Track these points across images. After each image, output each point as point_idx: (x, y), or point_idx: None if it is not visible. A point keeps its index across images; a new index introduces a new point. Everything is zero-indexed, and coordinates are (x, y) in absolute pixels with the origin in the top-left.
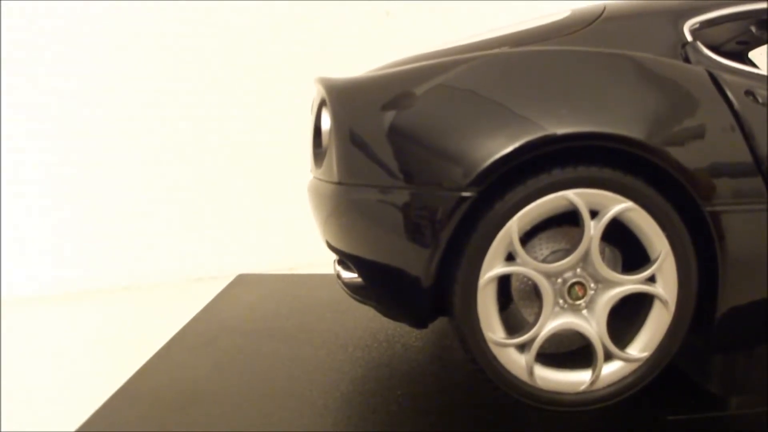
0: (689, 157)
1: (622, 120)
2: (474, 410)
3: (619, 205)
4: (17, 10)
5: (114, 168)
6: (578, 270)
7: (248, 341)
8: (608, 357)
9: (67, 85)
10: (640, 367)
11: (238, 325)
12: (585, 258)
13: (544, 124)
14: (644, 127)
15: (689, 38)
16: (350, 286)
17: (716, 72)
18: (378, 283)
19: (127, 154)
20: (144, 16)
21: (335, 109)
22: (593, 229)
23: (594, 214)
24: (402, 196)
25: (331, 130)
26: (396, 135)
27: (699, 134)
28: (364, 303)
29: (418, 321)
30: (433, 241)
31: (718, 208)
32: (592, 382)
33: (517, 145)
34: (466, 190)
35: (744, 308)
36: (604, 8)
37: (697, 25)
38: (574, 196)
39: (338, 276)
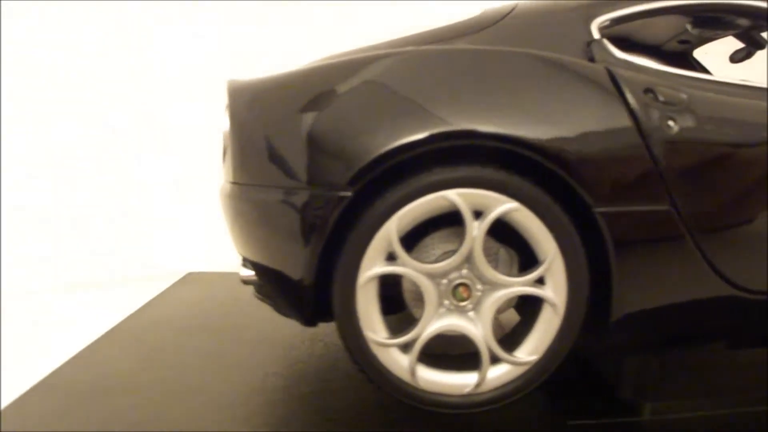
0: (578, 156)
1: (504, 118)
2: (382, 412)
3: (503, 206)
4: None
5: (57, 164)
6: (464, 271)
7: (178, 337)
8: (496, 360)
9: None
10: (528, 371)
11: (172, 322)
12: (469, 259)
13: (419, 124)
14: (528, 125)
15: (596, 36)
16: (249, 284)
17: (616, 69)
18: (268, 281)
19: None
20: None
21: (232, 109)
22: (476, 229)
23: (480, 214)
24: (280, 195)
25: (228, 130)
26: (276, 135)
27: (590, 133)
28: (263, 301)
29: (305, 319)
30: (310, 240)
31: (610, 210)
32: (478, 385)
33: (391, 146)
34: (342, 190)
35: (639, 311)
36: (515, 7)
37: (607, 22)
38: (455, 196)
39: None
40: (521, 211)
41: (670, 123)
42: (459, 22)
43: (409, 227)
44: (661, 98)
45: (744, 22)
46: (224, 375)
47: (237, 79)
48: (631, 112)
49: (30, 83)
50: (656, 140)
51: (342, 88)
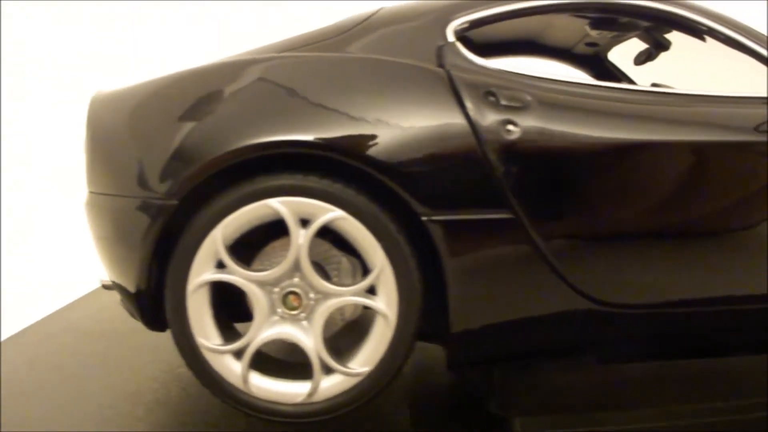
0: (405, 163)
1: (325, 126)
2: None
3: (327, 215)
4: None
5: None
6: (295, 279)
7: (76, 341)
8: (330, 370)
9: None
10: (361, 382)
11: (77, 326)
12: (297, 267)
13: (235, 135)
14: (349, 132)
15: (450, 38)
16: (108, 289)
17: (457, 73)
18: (117, 287)
19: None
20: None
21: (88, 118)
22: (302, 237)
23: (307, 223)
24: (116, 204)
25: (84, 139)
26: (116, 144)
27: (420, 138)
28: (122, 304)
29: (151, 325)
30: (141, 247)
31: (443, 218)
32: (310, 395)
33: (209, 158)
34: (167, 199)
35: (482, 324)
36: (378, 10)
37: (466, 25)
38: (279, 204)
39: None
40: (347, 219)
41: (510, 127)
42: (322, 28)
43: (235, 235)
44: (503, 102)
45: (638, 22)
46: (106, 379)
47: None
48: (467, 117)
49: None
50: (493, 145)
51: (175, 99)
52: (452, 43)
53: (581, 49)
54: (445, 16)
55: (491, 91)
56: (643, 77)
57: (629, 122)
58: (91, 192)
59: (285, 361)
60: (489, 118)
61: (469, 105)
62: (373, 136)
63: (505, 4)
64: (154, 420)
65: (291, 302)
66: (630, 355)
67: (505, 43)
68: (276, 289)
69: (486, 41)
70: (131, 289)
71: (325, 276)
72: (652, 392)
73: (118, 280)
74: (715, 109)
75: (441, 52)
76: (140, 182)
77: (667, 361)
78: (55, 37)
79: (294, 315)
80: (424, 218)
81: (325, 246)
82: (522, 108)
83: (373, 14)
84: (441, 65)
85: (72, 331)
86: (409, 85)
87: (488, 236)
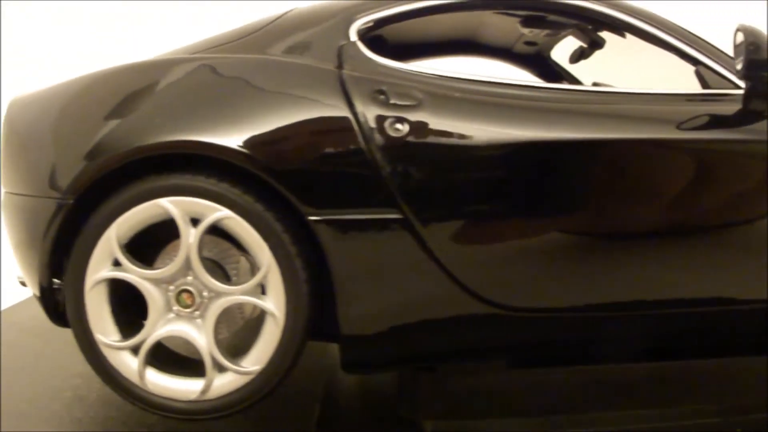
0: (290, 162)
1: (211, 128)
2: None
3: (214, 214)
4: None
5: None
6: (189, 278)
7: (18, 338)
8: (223, 368)
9: None
10: (252, 381)
11: (23, 325)
12: (189, 266)
13: (123, 137)
14: (234, 133)
15: (353, 38)
16: (23, 285)
17: (348, 72)
18: (30, 284)
19: None
20: None
21: (3, 121)
22: (191, 236)
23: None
24: (18, 202)
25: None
26: (26, 143)
27: (305, 138)
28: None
29: (57, 321)
30: (40, 246)
31: (329, 217)
32: (203, 392)
33: (101, 159)
34: (64, 198)
35: (367, 324)
36: (289, 11)
37: (371, 24)
38: (168, 204)
39: None
40: (233, 219)
41: (398, 126)
42: (236, 28)
43: (130, 233)
44: (392, 100)
45: (565, 20)
46: (36, 375)
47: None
48: (355, 115)
49: None
50: (381, 144)
51: (78, 101)
52: (353, 43)
53: (521, 48)
54: (350, 15)
55: (381, 90)
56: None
57: (527, 120)
58: (5, 192)
59: (186, 357)
60: (377, 117)
61: (357, 104)
62: (258, 137)
63: (411, 2)
64: (71, 415)
65: (184, 300)
66: (540, 360)
67: (443, 43)
68: (171, 287)
69: (422, 41)
70: (35, 286)
71: (225, 275)
72: (571, 398)
73: (25, 278)
74: (627, 106)
75: (341, 51)
76: (40, 182)
77: (582, 366)
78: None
79: (189, 313)
80: (308, 218)
81: (226, 245)
82: (412, 106)
83: (283, 15)
84: (339, 65)
85: (16, 329)
86: (297, 84)
87: (376, 237)
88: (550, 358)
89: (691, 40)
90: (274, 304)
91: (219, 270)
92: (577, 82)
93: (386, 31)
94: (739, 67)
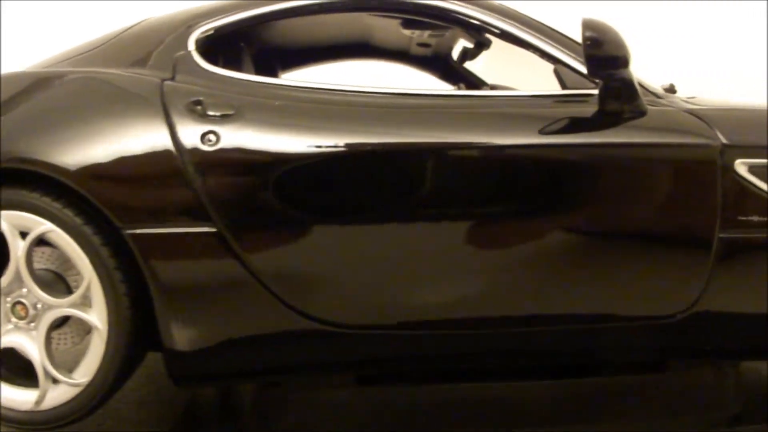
0: (104, 176)
1: (25, 142)
2: None
3: (39, 228)
4: None
5: None
6: (24, 290)
7: None
8: (56, 380)
9: None
10: (82, 392)
11: None
12: (19, 278)
13: None
14: (48, 147)
15: (191, 47)
16: None
17: (170, 83)
18: None
19: None
20: None
21: None
22: (20, 249)
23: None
24: None
25: None
26: None
27: (118, 151)
28: None
29: None
30: None
31: (144, 231)
32: (37, 402)
33: None
34: None
35: (188, 338)
36: (140, 22)
37: (211, 32)
38: None
39: None
40: (56, 232)
41: (211, 138)
42: (92, 39)
43: None
44: (209, 111)
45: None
46: None
47: None
48: (170, 128)
49: None
50: (192, 156)
51: None
52: (188, 53)
53: (417, 50)
54: (191, 25)
55: (199, 101)
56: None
57: (348, 127)
58: None
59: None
60: (191, 129)
61: (174, 115)
62: (76, 150)
63: (253, 8)
64: None
65: (18, 312)
66: (391, 378)
67: (338, 46)
68: (8, 299)
69: (317, 46)
70: None
71: (67, 287)
72: (425, 417)
73: None
74: (467, 110)
75: (176, 62)
76: None
77: (434, 385)
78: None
79: (25, 324)
80: (124, 231)
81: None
82: (228, 117)
83: (133, 26)
84: (172, 76)
85: None
86: (119, 98)
87: (192, 251)
88: (402, 376)
89: (554, 38)
90: (98, 316)
91: (61, 282)
92: (481, 83)
93: (276, 38)
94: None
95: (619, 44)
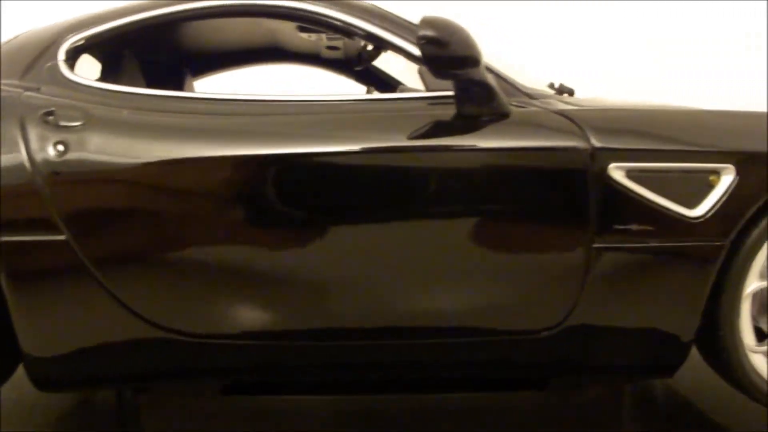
0: None
1: None
2: None
3: None
4: None
5: None
6: None
7: None
8: None
9: None
10: None
11: None
12: None
13: None
14: None
15: (61, 57)
16: None
17: (29, 94)
18: None
19: None
20: None
21: None
22: None
23: None
24: None
25: None
26: None
27: None
28: None
29: None
30: None
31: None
32: None
33: None
34: None
35: (43, 345)
36: (20, 34)
37: (82, 42)
38: None
39: None
40: None
41: (60, 148)
42: None
43: None
44: (60, 122)
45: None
46: None
47: None
48: (24, 140)
49: None
50: (44, 167)
51: None
52: (55, 63)
53: (328, 54)
54: (64, 35)
55: (51, 111)
56: None
57: (199, 138)
58: None
59: None
60: (43, 140)
61: (28, 126)
62: None
63: (125, 17)
64: None
65: None
66: (263, 387)
67: (250, 51)
68: None
69: (222, 51)
70: None
71: None
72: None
73: None
74: (313, 117)
75: (45, 72)
76: None
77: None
78: None
79: None
80: None
81: None
82: (77, 127)
83: (17, 36)
84: (39, 86)
85: None
86: None
87: (43, 259)
88: (273, 385)
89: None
90: None
91: None
92: (396, 84)
93: (180, 44)
94: None
95: (465, 43)
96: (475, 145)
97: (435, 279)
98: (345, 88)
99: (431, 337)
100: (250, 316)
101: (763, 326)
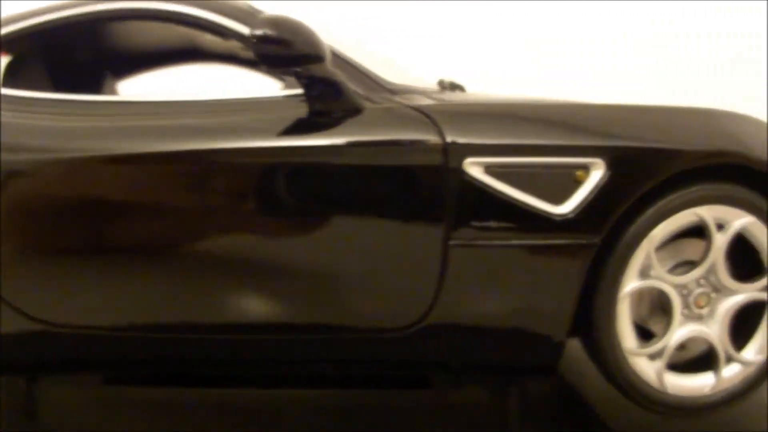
0: None
1: None
2: None
3: None
4: None
5: None
6: None
7: None
8: None
9: None
10: None
11: None
12: None
13: None
14: None
15: None
16: None
17: None
18: None
19: None
20: None
21: None
22: None
23: None
24: None
25: None
26: None
27: None
28: None
29: None
30: None
31: None
32: None
33: None
34: None
35: None
36: None
37: None
38: None
39: None
40: None
41: None
42: None
43: None
44: None
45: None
46: None
47: None
48: None
49: None
50: None
51: None
52: None
53: (246, 53)
54: None
55: None
56: None
57: (60, 134)
58: None
59: None
60: None
61: None
62: None
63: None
64: None
65: None
66: (142, 379)
67: (167, 52)
68: None
69: (140, 52)
70: None
71: None
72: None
73: None
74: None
75: None
76: None
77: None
78: None
79: None
80: None
81: None
82: None
83: None
84: None
85: None
86: None
87: None
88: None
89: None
90: None
91: None
92: None
93: (114, 46)
94: None
95: (307, 41)
96: (325, 142)
97: (291, 276)
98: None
99: (290, 334)
100: (121, 308)
101: (654, 328)
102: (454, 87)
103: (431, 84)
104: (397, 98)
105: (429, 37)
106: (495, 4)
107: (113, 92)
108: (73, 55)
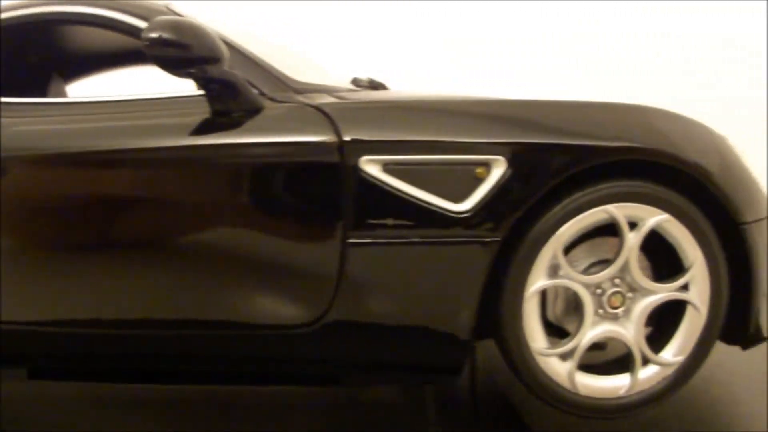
0: None
1: None
2: None
3: None
4: None
5: None
6: None
7: None
8: None
9: None
10: None
11: None
12: None
13: None
14: None
15: None
16: None
17: None
18: None
19: None
20: None
21: None
22: None
23: None
24: None
25: None
26: None
27: None
28: None
29: None
30: None
31: None
32: None
33: None
34: None
35: None
36: None
37: None
38: None
39: None
40: None
41: None
42: None
43: None
44: None
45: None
46: None
47: None
48: None
49: None
50: None
51: None
52: None
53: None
54: None
55: None
56: None
57: None
58: None
59: None
60: None
61: None
62: None
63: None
64: None
65: None
66: (63, 373)
67: (120, 53)
68: None
69: (94, 53)
70: None
71: None
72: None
73: None
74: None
75: None
76: None
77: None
78: None
79: None
80: None
81: None
82: None
83: None
84: None
85: None
86: None
87: None
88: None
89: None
90: None
91: None
92: None
93: (62, 48)
94: None
95: (202, 43)
96: (221, 141)
97: (191, 272)
98: None
99: (190, 329)
100: (38, 304)
101: (569, 327)
102: (376, 86)
103: (345, 83)
104: (300, 97)
105: (356, 37)
106: (419, 5)
107: (62, 94)
108: (13, 58)
